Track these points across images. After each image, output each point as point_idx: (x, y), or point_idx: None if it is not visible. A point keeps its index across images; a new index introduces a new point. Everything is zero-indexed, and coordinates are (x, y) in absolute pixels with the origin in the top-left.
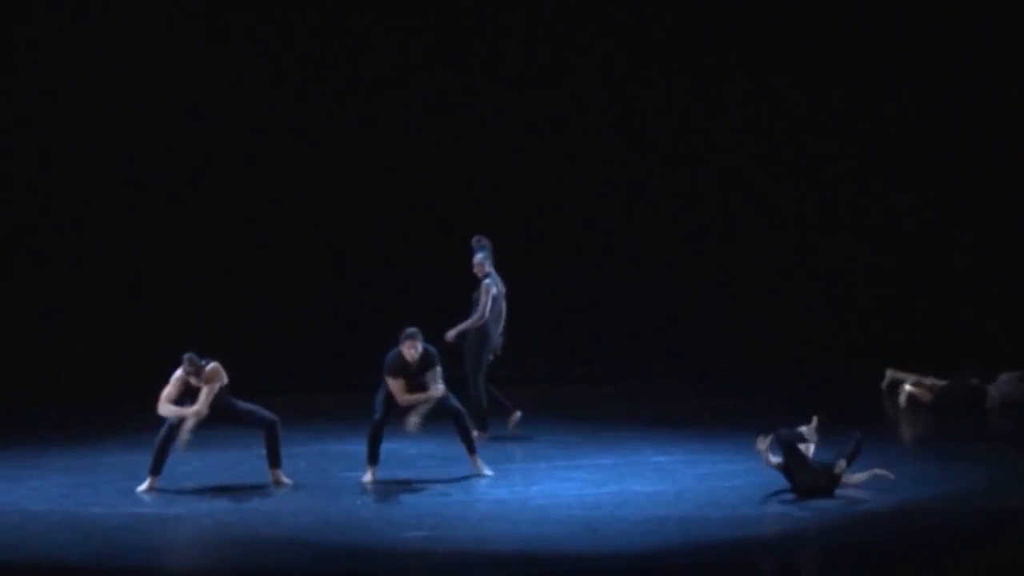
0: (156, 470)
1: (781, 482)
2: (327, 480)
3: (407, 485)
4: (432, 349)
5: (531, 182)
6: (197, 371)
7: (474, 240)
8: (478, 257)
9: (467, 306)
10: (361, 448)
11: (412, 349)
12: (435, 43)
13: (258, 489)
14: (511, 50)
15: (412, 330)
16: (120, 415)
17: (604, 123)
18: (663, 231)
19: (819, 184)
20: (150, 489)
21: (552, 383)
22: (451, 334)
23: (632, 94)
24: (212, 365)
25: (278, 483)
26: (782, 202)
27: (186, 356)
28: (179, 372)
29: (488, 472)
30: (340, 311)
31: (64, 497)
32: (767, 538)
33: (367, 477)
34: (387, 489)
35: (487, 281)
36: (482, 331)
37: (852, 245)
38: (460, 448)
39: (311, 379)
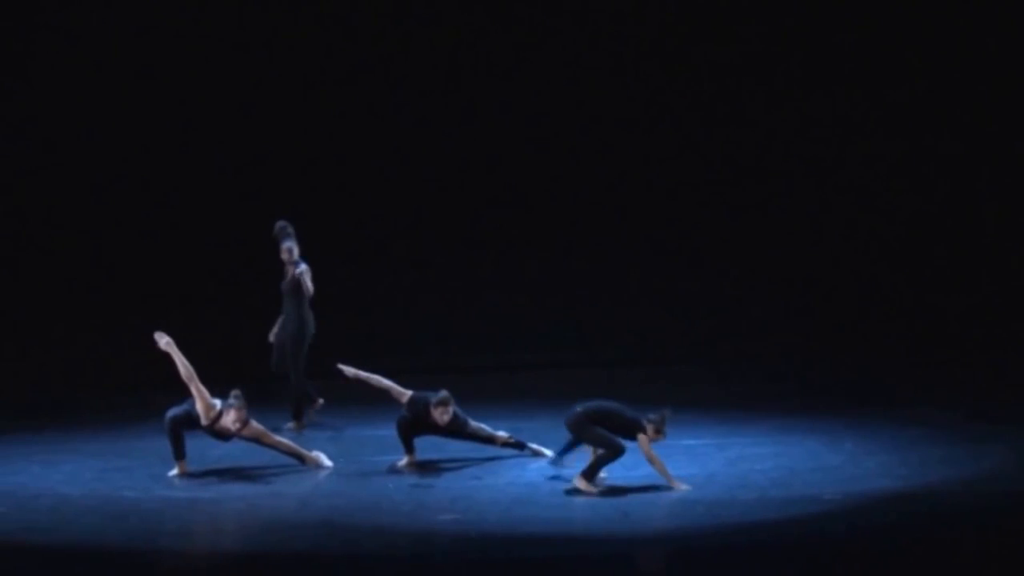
0: (179, 455)
1: (811, 465)
2: (359, 464)
3: (438, 469)
4: (461, 412)
5: (556, 163)
6: (239, 413)
7: (279, 227)
8: (287, 244)
9: None
10: (392, 432)
11: (445, 415)
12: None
13: (290, 472)
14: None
15: (444, 395)
16: (153, 399)
17: (631, 100)
18: (689, 213)
19: (850, 166)
20: (181, 473)
21: (581, 367)
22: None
23: (660, 70)
24: (254, 425)
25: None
26: (812, 184)
27: (236, 394)
28: (218, 402)
29: (548, 452)
30: (373, 294)
31: (97, 481)
32: (796, 521)
33: (403, 462)
34: (419, 472)
35: (302, 267)
36: (302, 321)
37: (881, 230)
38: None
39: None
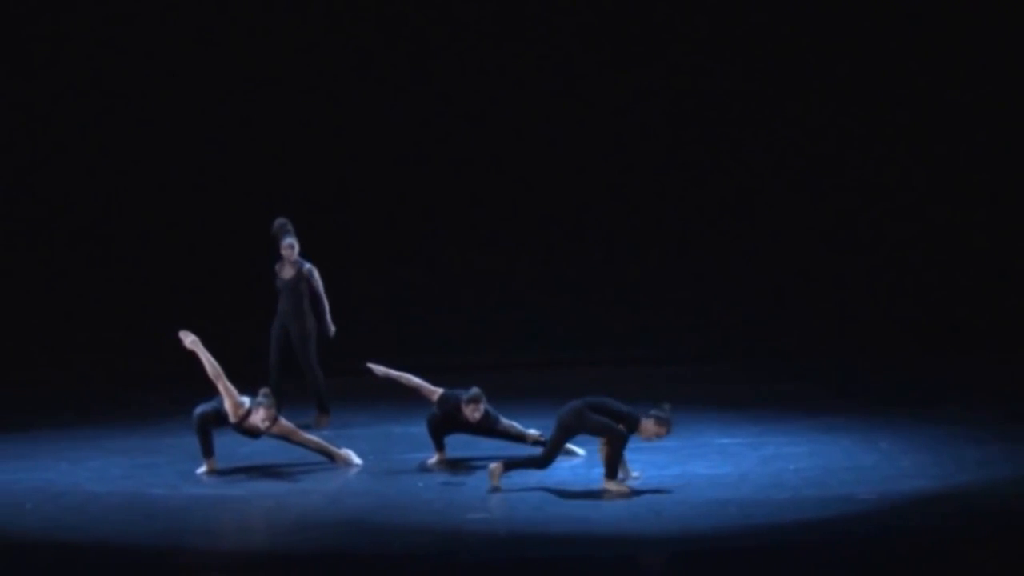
0: (207, 452)
1: (845, 464)
2: (389, 462)
3: (469, 467)
4: (492, 410)
5: (594, 163)
6: (268, 411)
7: (278, 224)
8: (288, 241)
9: None
10: (423, 429)
11: (476, 412)
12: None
13: (319, 470)
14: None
15: (476, 392)
16: (180, 396)
17: (676, 98)
18: (728, 211)
19: (884, 161)
20: (209, 471)
21: (613, 365)
22: (332, 330)
23: (698, 67)
24: (283, 423)
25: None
26: (846, 179)
27: (265, 392)
28: (246, 400)
29: (580, 451)
30: (401, 292)
31: (125, 478)
32: (830, 521)
33: (433, 460)
34: (449, 471)
35: (308, 265)
36: (304, 317)
37: (917, 227)
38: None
39: (374, 360)
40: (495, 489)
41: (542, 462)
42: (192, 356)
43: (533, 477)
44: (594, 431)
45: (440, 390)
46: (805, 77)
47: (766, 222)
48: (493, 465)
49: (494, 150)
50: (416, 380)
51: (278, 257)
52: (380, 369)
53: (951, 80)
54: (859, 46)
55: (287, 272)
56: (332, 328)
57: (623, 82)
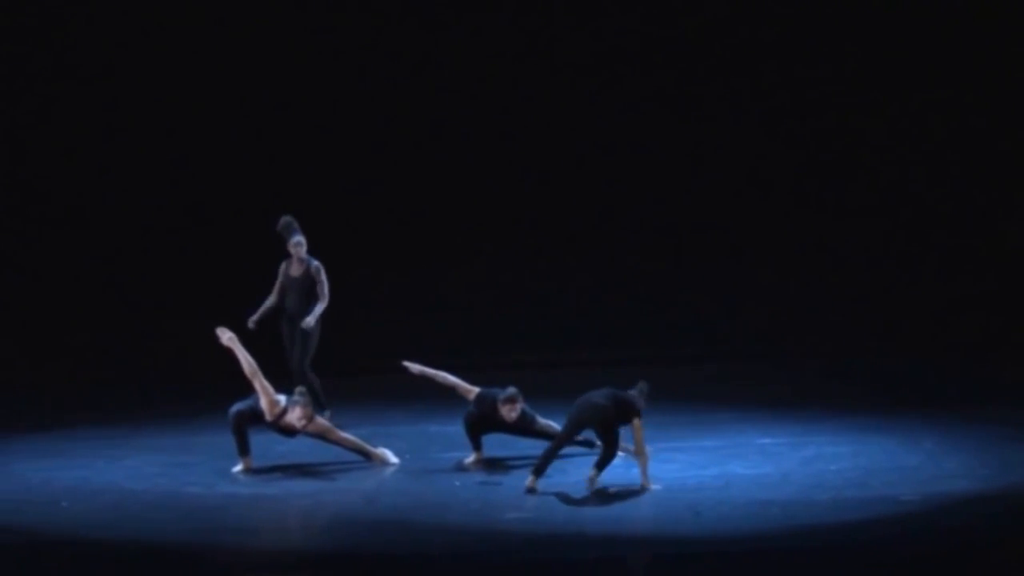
0: (244, 451)
1: (888, 465)
2: (426, 461)
3: (506, 466)
4: (529, 409)
5: (627, 159)
6: (304, 410)
7: (284, 222)
8: (296, 239)
9: None
10: (459, 428)
11: (512, 411)
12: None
13: (356, 469)
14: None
15: (512, 392)
16: (216, 394)
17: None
18: (770, 209)
19: (924, 161)
20: (246, 469)
21: (652, 364)
22: (309, 321)
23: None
24: (320, 421)
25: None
26: (887, 180)
27: (301, 390)
28: (282, 398)
29: (629, 447)
30: (442, 291)
31: (160, 477)
32: (873, 522)
33: (470, 459)
34: (486, 470)
35: (316, 263)
36: (311, 316)
37: (961, 226)
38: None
39: (409, 359)
40: (532, 491)
41: (614, 455)
42: (229, 353)
43: (572, 476)
44: (609, 442)
45: (476, 389)
46: (842, 68)
47: (809, 219)
48: (592, 473)
49: (527, 146)
50: (452, 379)
51: (286, 255)
52: (416, 367)
53: (999, 73)
54: (903, 41)
55: (295, 270)
56: (311, 322)
57: (645, 78)
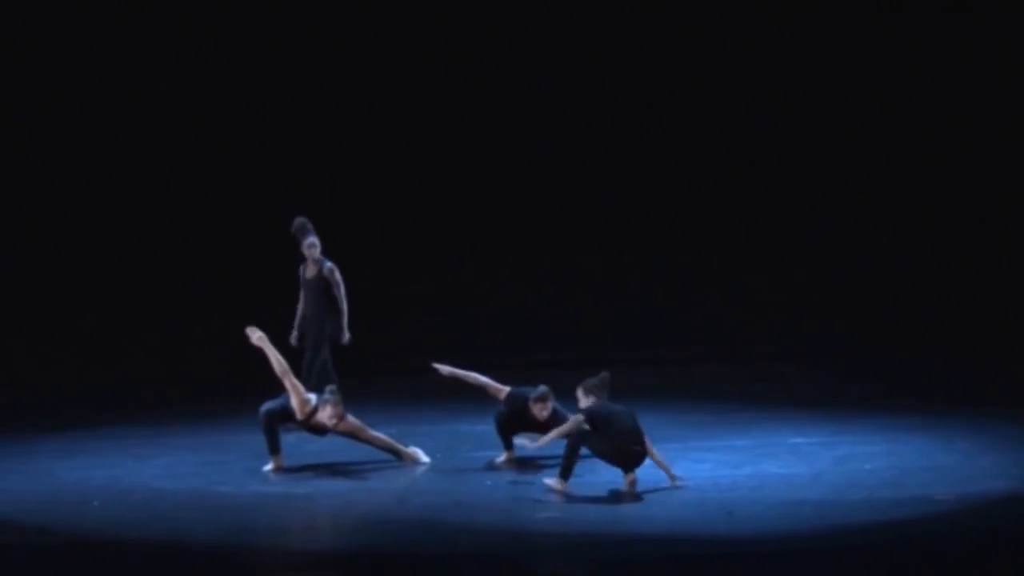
0: (274, 450)
1: (922, 464)
2: (457, 460)
3: (538, 466)
4: (560, 408)
5: (660, 161)
6: (335, 409)
7: (298, 224)
8: (310, 240)
9: None
10: (490, 428)
11: (544, 410)
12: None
13: (387, 468)
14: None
15: (544, 390)
16: (248, 393)
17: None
18: (805, 208)
19: (963, 157)
20: (277, 469)
21: (686, 363)
22: (347, 336)
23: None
24: (350, 420)
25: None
26: (925, 178)
27: (332, 389)
28: (313, 397)
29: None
30: (474, 288)
31: (191, 475)
32: (907, 522)
33: (502, 459)
34: (518, 470)
35: (329, 264)
36: (323, 320)
37: (996, 223)
38: None
39: (441, 358)
40: (557, 492)
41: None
42: (259, 353)
43: (604, 476)
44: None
45: (507, 388)
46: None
47: (843, 219)
48: (630, 477)
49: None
50: (483, 379)
51: (302, 258)
52: (446, 369)
53: None
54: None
55: (309, 271)
56: (347, 335)
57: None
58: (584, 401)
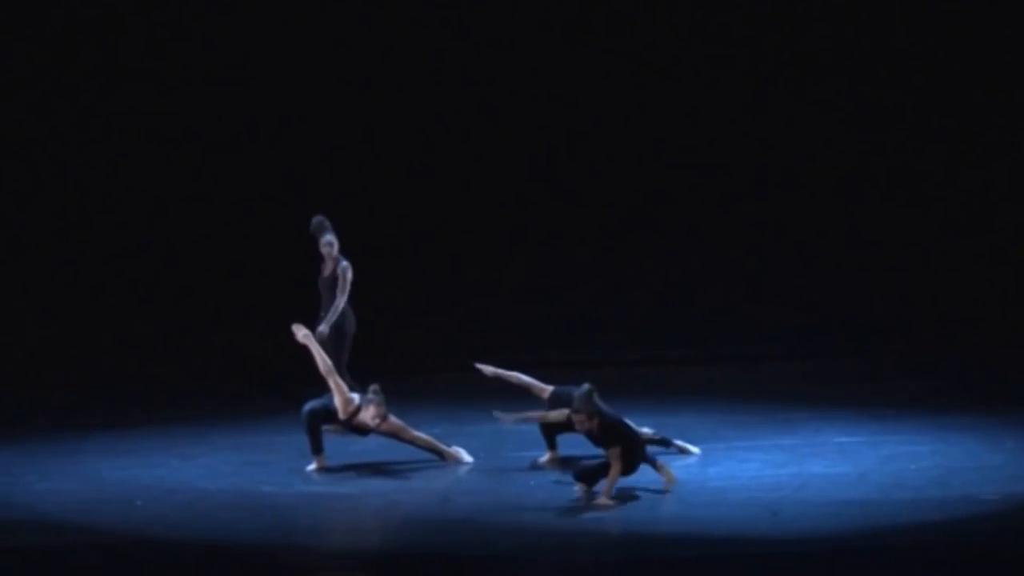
0: (317, 449)
1: (969, 464)
2: (500, 460)
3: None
4: (607, 411)
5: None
6: (378, 409)
7: (316, 222)
8: (327, 238)
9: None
10: (534, 427)
11: (585, 424)
12: None
13: (430, 468)
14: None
15: (587, 388)
16: (292, 393)
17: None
18: (855, 208)
19: (1007, 152)
20: (320, 469)
21: (730, 362)
22: (324, 329)
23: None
24: (393, 420)
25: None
26: (967, 174)
27: (375, 389)
28: (356, 397)
29: (694, 449)
30: (519, 288)
31: (234, 475)
32: (953, 522)
33: (545, 458)
34: (561, 469)
35: (344, 263)
36: (343, 316)
37: None
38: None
39: (486, 358)
40: (585, 491)
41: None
42: (304, 351)
43: (647, 475)
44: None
45: (550, 388)
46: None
47: (893, 219)
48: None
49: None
50: (526, 378)
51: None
52: (489, 369)
53: None
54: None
55: (326, 269)
56: (325, 329)
57: (732, 62)
58: (597, 421)
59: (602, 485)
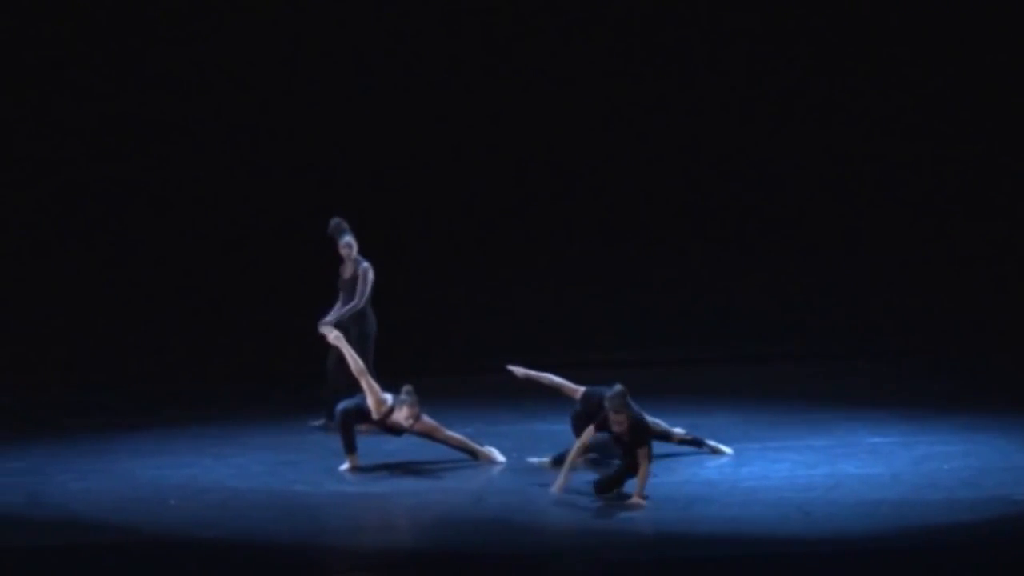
0: (350, 449)
1: (1002, 465)
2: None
3: (614, 466)
4: (638, 414)
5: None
6: (411, 409)
7: (334, 223)
8: (346, 239)
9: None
10: (567, 427)
11: (620, 425)
12: None
13: (463, 468)
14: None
15: (620, 389)
16: (324, 393)
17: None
18: (880, 208)
19: None
20: (352, 468)
21: (763, 362)
22: (328, 321)
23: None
24: (426, 420)
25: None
26: (994, 179)
27: (408, 389)
28: (389, 397)
29: (727, 449)
30: (552, 288)
31: (267, 475)
32: (986, 523)
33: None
34: (593, 469)
35: (365, 264)
36: (364, 320)
37: None
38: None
39: (520, 359)
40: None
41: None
42: (335, 352)
43: (679, 475)
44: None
45: (583, 388)
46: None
47: (917, 218)
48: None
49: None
50: (557, 379)
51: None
52: (520, 370)
53: None
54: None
55: (347, 271)
56: (332, 324)
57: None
58: (625, 417)
59: (627, 486)
